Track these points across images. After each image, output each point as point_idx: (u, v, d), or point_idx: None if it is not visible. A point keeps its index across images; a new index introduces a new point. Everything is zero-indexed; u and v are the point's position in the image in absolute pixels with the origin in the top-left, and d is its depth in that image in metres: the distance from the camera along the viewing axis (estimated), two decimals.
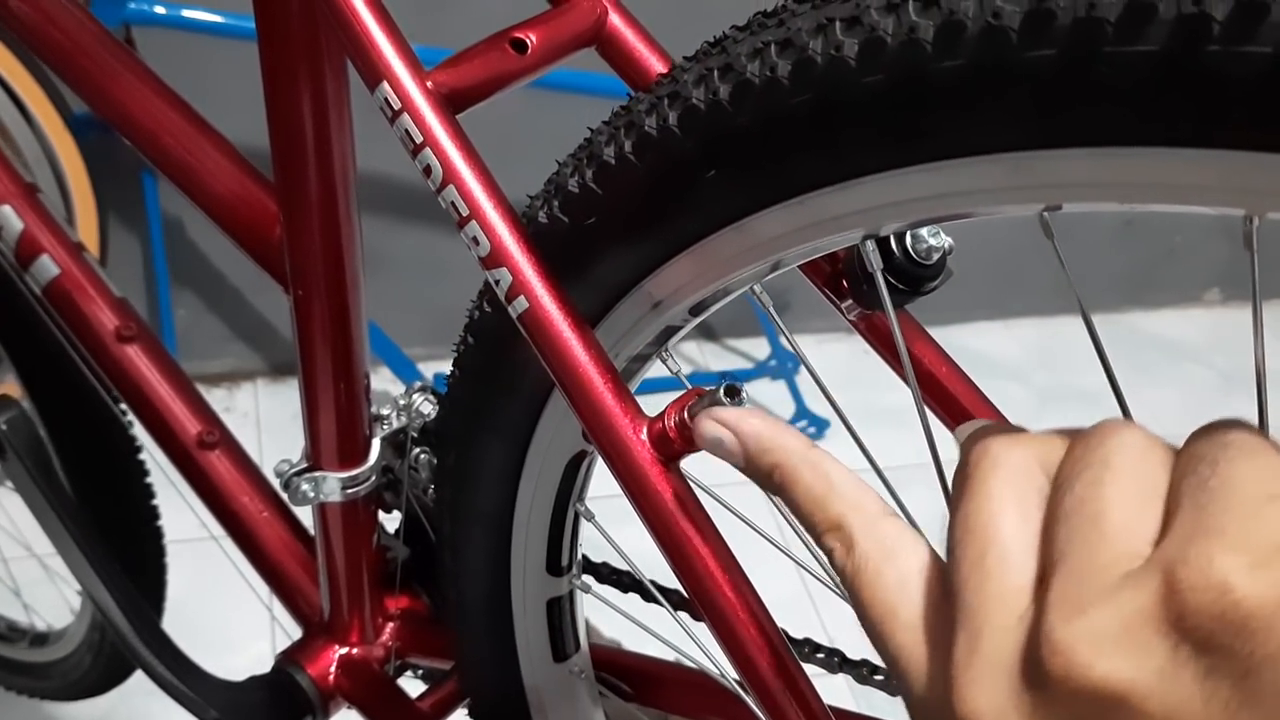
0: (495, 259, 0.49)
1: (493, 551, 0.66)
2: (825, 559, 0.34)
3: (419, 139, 0.49)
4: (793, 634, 0.63)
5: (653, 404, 0.47)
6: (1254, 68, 0.29)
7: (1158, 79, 0.31)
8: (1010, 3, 0.33)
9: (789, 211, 0.42)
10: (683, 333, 0.54)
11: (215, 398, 1.85)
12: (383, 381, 1.79)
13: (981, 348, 2.10)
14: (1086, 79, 0.32)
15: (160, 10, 1.46)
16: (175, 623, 0.83)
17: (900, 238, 0.52)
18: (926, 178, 0.38)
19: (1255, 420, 0.30)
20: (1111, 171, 0.35)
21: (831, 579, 0.37)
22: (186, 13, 1.46)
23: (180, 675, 0.76)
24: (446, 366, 0.65)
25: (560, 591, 0.68)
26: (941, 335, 0.60)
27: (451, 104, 0.51)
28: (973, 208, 0.39)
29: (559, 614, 0.69)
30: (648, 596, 0.71)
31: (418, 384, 0.73)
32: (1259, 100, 0.30)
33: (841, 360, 1.55)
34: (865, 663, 0.67)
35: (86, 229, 1.53)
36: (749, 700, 0.49)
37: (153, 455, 0.86)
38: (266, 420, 1.85)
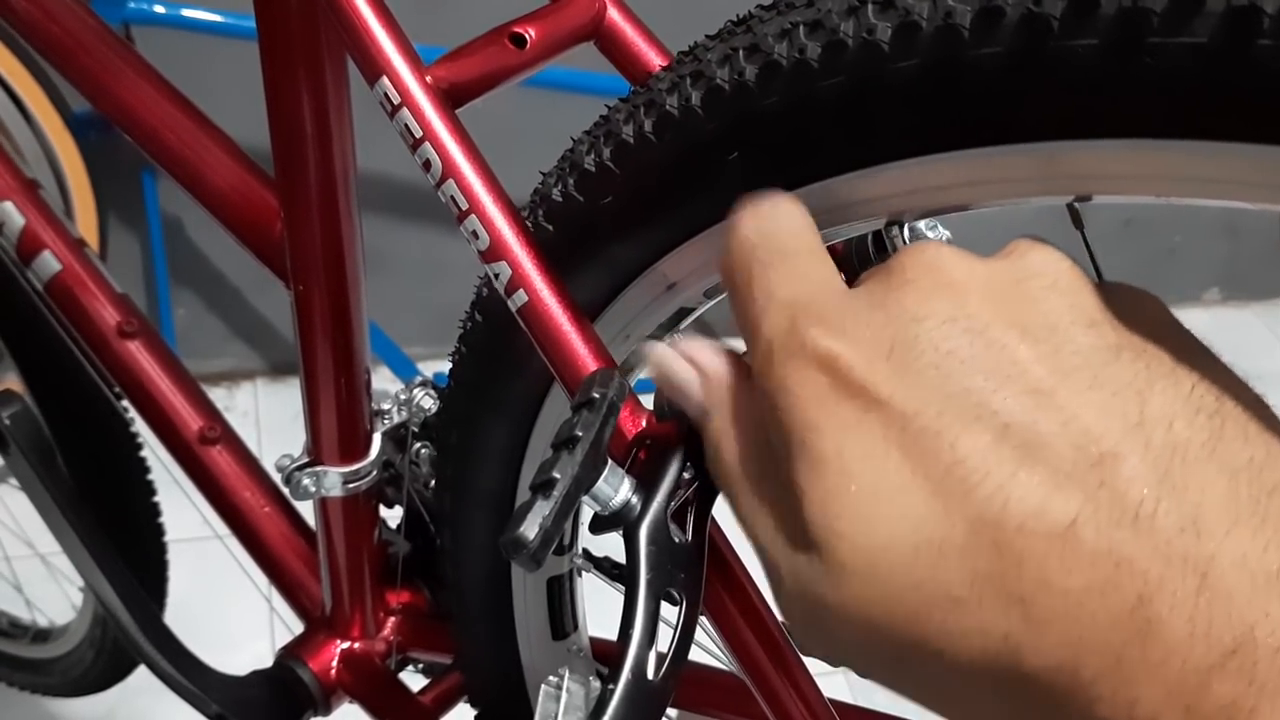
0: (494, 253, 0.49)
1: (494, 530, 0.66)
2: None
3: (418, 133, 0.50)
4: None
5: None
6: None
7: (1201, 71, 0.30)
8: None
9: (812, 195, 0.41)
10: (696, 314, 0.53)
11: (215, 397, 1.83)
12: (383, 381, 1.79)
13: None
14: (1126, 70, 0.32)
15: (160, 10, 1.46)
16: (176, 621, 0.83)
17: (899, 230, 0.52)
18: (957, 165, 0.37)
19: None
20: (1147, 164, 0.34)
21: None
22: (186, 12, 1.47)
23: (182, 669, 0.76)
24: (446, 365, 0.65)
25: (561, 570, 0.68)
26: None
27: (451, 98, 0.51)
28: (1001, 197, 0.38)
29: (559, 592, 0.69)
30: None
31: (418, 379, 0.74)
32: None
33: None
34: None
35: (86, 228, 1.53)
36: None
37: (155, 452, 0.86)
38: (266, 420, 1.85)
